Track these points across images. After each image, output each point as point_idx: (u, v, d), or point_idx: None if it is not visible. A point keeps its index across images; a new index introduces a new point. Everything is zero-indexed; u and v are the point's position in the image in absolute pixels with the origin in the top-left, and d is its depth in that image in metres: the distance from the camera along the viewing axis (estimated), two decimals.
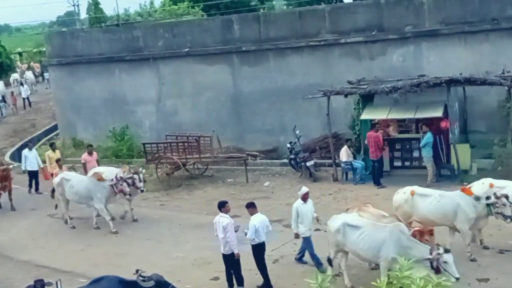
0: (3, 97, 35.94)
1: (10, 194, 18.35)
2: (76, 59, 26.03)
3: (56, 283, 10.16)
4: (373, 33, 20.84)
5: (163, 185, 19.96)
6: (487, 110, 19.34)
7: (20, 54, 56.94)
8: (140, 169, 16.80)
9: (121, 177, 15.67)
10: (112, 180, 15.67)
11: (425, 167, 17.63)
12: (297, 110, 21.66)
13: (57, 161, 18.80)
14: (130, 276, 10.10)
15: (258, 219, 11.55)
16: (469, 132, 19.51)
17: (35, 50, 57.80)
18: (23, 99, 36.04)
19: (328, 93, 18.68)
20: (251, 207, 11.87)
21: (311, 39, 21.76)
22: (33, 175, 20.19)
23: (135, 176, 15.77)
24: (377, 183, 17.76)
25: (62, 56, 26.59)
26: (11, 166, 19.91)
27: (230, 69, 23.20)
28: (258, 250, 11.57)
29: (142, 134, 24.36)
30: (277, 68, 22.39)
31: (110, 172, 16.44)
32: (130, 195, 15.91)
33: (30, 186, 20.27)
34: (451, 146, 17.56)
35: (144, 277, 9.77)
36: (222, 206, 11.76)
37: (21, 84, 37.06)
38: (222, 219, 11.50)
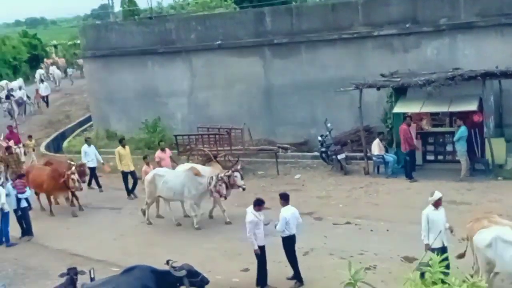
0: (27, 95, 33.67)
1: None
2: (110, 51, 26.32)
3: (90, 271, 10.37)
4: (407, 25, 20.57)
5: None
6: None
7: (55, 46, 57.82)
8: (239, 166, 15.66)
9: (221, 178, 14.78)
10: (211, 178, 14.83)
11: (458, 162, 17.40)
12: (328, 103, 21.55)
13: (144, 158, 18.07)
14: (161, 265, 10.26)
15: (289, 212, 11.55)
16: (505, 126, 19.15)
17: (70, 42, 58.65)
18: (41, 97, 34.58)
19: (360, 86, 18.53)
20: (284, 198, 11.85)
21: (344, 32, 21.60)
22: (92, 172, 19.66)
23: (236, 174, 14.86)
24: (409, 176, 17.58)
25: (96, 49, 26.91)
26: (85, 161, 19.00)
27: (262, 61, 23.19)
28: (289, 242, 11.57)
29: (174, 126, 24.54)
30: (309, 61, 22.30)
31: (203, 170, 15.74)
32: (225, 197, 15.12)
33: (90, 183, 19.69)
34: (486, 140, 17.29)
35: (175, 267, 9.92)
36: (257, 204, 11.63)
37: (41, 80, 35.96)
38: (248, 215, 11.49)
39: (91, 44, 27.31)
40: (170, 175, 15.65)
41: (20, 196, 15.67)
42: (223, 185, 14.73)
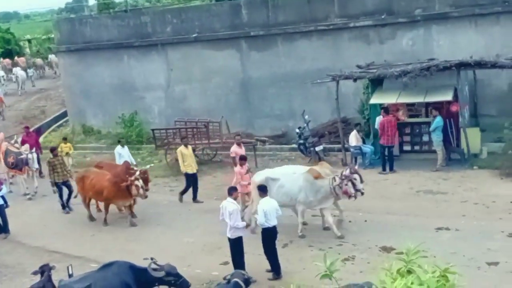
0: None
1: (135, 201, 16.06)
2: (85, 45, 26.04)
3: (68, 268, 10.28)
4: (383, 16, 20.67)
5: (173, 170, 19.99)
6: (497, 93, 19.23)
7: (29, 41, 57.00)
8: (356, 166, 13.96)
9: (346, 176, 13.07)
10: (333, 179, 13.14)
11: (435, 152, 17.59)
12: (306, 95, 21.59)
13: (242, 159, 15.57)
14: (141, 261, 10.22)
15: (267, 203, 11.60)
16: (479, 116, 19.39)
17: (44, 37, 57.85)
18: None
19: (337, 77, 18.61)
20: (262, 190, 11.95)
21: (320, 23, 21.62)
22: None
23: (355, 176, 13.10)
24: (391, 169, 17.67)
25: (71, 43, 26.60)
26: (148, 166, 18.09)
27: (238, 54, 23.13)
28: (268, 234, 11.63)
29: (151, 120, 24.41)
30: (286, 53, 22.30)
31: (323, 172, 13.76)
32: (355, 197, 13.30)
33: None
34: (461, 130, 17.48)
35: (156, 267, 9.85)
36: (231, 192, 11.85)
37: None
38: (229, 204, 11.58)
39: (66, 38, 26.97)
40: (286, 178, 13.63)
41: None
42: (350, 184, 13.02)
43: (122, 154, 18.35)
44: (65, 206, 17.09)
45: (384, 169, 17.73)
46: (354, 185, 12.99)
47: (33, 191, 18.92)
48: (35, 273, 10.33)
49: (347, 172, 13.10)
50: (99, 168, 16.65)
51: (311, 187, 13.27)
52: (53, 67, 42.83)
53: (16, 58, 44.26)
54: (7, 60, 43.83)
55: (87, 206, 16.17)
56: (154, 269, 9.78)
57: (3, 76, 36.75)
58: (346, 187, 13.01)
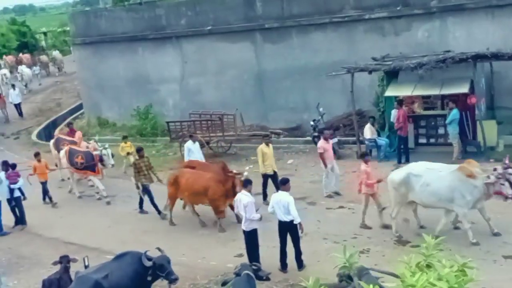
0: None
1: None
2: (99, 38, 26.15)
3: (84, 259, 10.39)
4: (398, 8, 20.52)
5: None
6: None
7: (45, 34, 57.41)
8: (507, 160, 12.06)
9: (501, 174, 11.64)
10: (487, 177, 11.77)
11: (450, 144, 17.46)
12: (320, 87, 21.52)
13: (363, 156, 14.26)
14: (155, 252, 10.27)
15: (276, 197, 11.64)
16: (496, 108, 19.20)
17: (59, 29, 58.24)
18: (14, 105, 29.97)
19: (352, 70, 18.51)
20: (283, 183, 11.90)
21: (335, 15, 21.52)
22: None
23: (510, 171, 11.66)
24: (407, 160, 17.59)
25: (86, 36, 26.72)
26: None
27: (253, 46, 23.10)
28: (280, 228, 11.64)
29: (166, 113, 24.48)
30: (301, 45, 22.22)
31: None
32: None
33: None
34: (478, 122, 17.33)
35: (150, 257, 9.86)
36: (246, 184, 11.86)
37: (12, 86, 30.52)
38: (244, 197, 11.61)
39: (81, 31, 27.11)
40: (431, 176, 12.26)
41: (12, 186, 15.68)
42: (506, 184, 11.63)
43: (192, 150, 17.20)
44: (158, 209, 15.58)
45: (400, 161, 17.64)
46: (511, 184, 11.57)
47: (102, 194, 17.43)
48: (54, 263, 10.46)
49: (502, 169, 11.74)
50: (190, 168, 15.32)
51: (465, 187, 11.85)
52: (58, 64, 41.93)
53: (20, 55, 43.29)
54: (10, 57, 42.72)
55: (171, 208, 14.94)
56: (149, 259, 9.83)
57: (5, 75, 34.70)
58: (501, 187, 11.65)
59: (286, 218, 11.46)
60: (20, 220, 15.89)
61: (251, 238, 11.61)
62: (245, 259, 11.64)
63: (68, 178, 18.61)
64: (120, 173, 19.27)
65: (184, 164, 16.15)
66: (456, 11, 19.80)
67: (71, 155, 17.51)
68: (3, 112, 29.88)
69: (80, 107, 30.15)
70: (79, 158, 17.29)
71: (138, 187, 15.73)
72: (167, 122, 21.38)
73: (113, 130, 25.79)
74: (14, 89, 30.01)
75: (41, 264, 13.17)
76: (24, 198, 16.15)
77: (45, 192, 17.48)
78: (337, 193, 15.77)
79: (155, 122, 24.10)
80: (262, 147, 15.56)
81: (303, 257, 11.74)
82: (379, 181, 13.19)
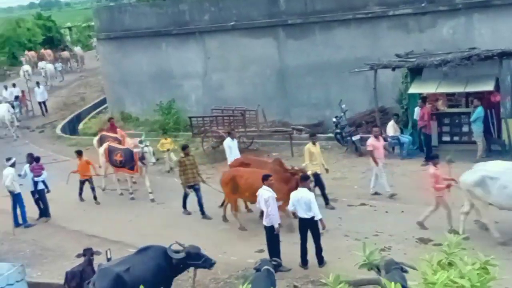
0: (16, 97, 29.20)
1: None
2: (123, 33, 26.34)
3: (106, 252, 10.51)
4: (423, 4, 20.34)
5: (209, 158, 20.15)
6: None
7: (69, 28, 57.98)
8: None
9: None
10: None
11: (474, 142, 17.27)
12: (343, 84, 21.43)
13: (434, 157, 13.45)
14: (174, 246, 10.34)
15: (297, 194, 11.61)
16: None
17: (84, 24, 58.74)
18: (39, 103, 29.65)
19: (375, 66, 18.41)
20: (303, 179, 11.99)
21: (358, 12, 21.39)
22: None
23: None
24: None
25: (110, 31, 26.94)
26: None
27: (276, 42, 23.07)
28: (301, 224, 11.64)
29: (189, 108, 24.58)
30: (323, 41, 22.14)
31: None
32: None
33: None
34: (502, 120, 17.12)
35: (177, 249, 10.01)
36: (266, 179, 11.87)
37: (37, 84, 29.88)
38: (264, 192, 11.62)
39: (105, 26, 27.34)
40: (508, 178, 11.57)
41: (36, 179, 15.90)
42: None
43: (232, 148, 16.58)
44: (203, 210, 14.96)
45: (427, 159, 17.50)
46: None
47: (150, 193, 16.62)
48: (78, 256, 10.60)
49: None
50: (245, 165, 14.62)
51: None
52: (77, 60, 41.78)
53: (42, 50, 42.81)
54: (32, 53, 42.15)
55: (236, 209, 14.19)
56: (175, 251, 9.93)
57: (27, 71, 33.37)
58: None
59: (307, 215, 11.45)
60: (44, 212, 16.12)
61: (272, 234, 11.63)
62: (266, 255, 11.67)
63: (106, 176, 17.97)
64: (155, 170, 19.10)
65: (236, 163, 15.26)
66: (482, 7, 19.57)
67: (110, 152, 17.16)
68: (25, 111, 29.59)
69: (103, 101, 30.43)
70: (118, 156, 16.88)
71: (184, 187, 15.06)
72: (190, 117, 21.47)
73: (136, 125, 25.97)
74: (39, 87, 29.57)
75: (65, 256, 13.36)
76: (48, 191, 16.35)
77: (81, 190, 17.08)
78: (392, 195, 14.90)
79: (178, 117, 24.21)
80: (309, 146, 15.01)
81: (324, 253, 11.72)
82: (448, 187, 12.67)
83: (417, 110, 17.98)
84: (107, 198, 17.40)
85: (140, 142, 16.72)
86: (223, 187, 14.05)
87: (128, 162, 16.68)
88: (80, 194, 17.16)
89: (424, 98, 18.02)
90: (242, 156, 16.24)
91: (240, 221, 14.04)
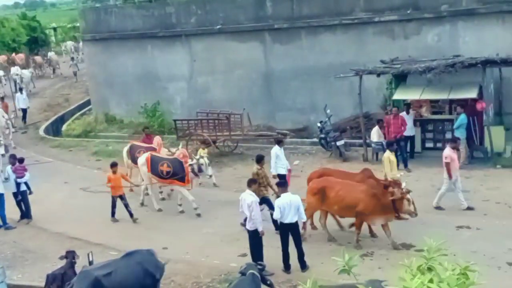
0: None
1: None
2: (109, 34, 26.24)
3: (88, 255, 10.42)
4: (408, 11, 20.48)
5: None
6: None
7: (54, 29, 57.63)
8: None
9: None
10: None
11: (457, 149, 17.38)
12: (328, 89, 21.51)
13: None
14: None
15: (283, 200, 11.59)
16: (504, 114, 19.14)
17: (69, 25, 58.45)
18: (22, 109, 27.63)
19: (360, 72, 18.50)
20: (282, 186, 12.07)
21: (345, 17, 21.50)
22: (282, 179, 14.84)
23: None
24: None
25: (96, 32, 26.82)
26: None
27: (262, 46, 23.11)
28: (283, 229, 11.64)
29: (173, 111, 24.53)
30: (310, 46, 22.22)
31: None
32: None
33: None
34: (485, 128, 17.28)
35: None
36: (250, 184, 11.88)
37: (20, 90, 28.28)
38: (248, 196, 11.61)
39: (91, 27, 27.21)
40: None
41: (19, 180, 15.75)
42: None
43: (280, 157, 15.40)
44: (277, 224, 12.85)
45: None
46: None
47: (194, 207, 15.17)
48: (61, 258, 10.52)
49: None
50: (325, 175, 13.55)
51: None
52: (53, 65, 39.25)
53: (13, 54, 40.37)
54: (3, 57, 39.55)
55: (325, 223, 13.16)
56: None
57: (4, 76, 31.74)
58: None
59: (293, 220, 11.48)
60: (25, 214, 15.95)
61: (255, 238, 11.62)
62: (249, 259, 11.66)
63: (147, 192, 16.35)
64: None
65: (316, 175, 13.90)
66: (467, 15, 19.77)
67: (153, 162, 15.54)
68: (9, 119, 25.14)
69: (88, 103, 30.25)
70: (164, 166, 15.35)
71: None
72: (174, 120, 21.41)
73: (120, 127, 25.87)
74: (21, 93, 27.91)
75: (46, 258, 13.24)
76: (30, 193, 16.21)
77: (115, 208, 15.36)
78: (470, 208, 14.09)
79: (163, 120, 24.17)
80: (389, 155, 14.59)
81: (307, 258, 11.73)
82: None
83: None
84: (89, 200, 17.25)
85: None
86: (309, 196, 12.92)
87: (177, 173, 15.16)
88: (113, 213, 15.37)
89: (408, 105, 18.15)
90: (321, 168, 14.99)
91: (328, 231, 13.02)
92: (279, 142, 15.87)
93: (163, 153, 16.65)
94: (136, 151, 16.97)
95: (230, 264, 12.01)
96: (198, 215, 15.11)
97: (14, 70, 33.22)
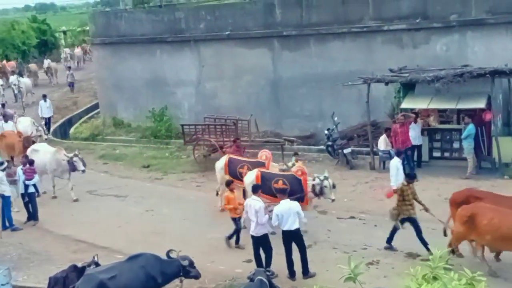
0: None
1: None
2: (119, 39, 26.34)
3: (93, 258, 10.45)
4: (417, 20, 20.48)
5: (200, 166, 20.13)
6: None
7: (64, 33, 57.87)
8: None
9: None
10: None
11: (465, 159, 17.36)
12: (336, 96, 21.50)
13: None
14: (164, 254, 10.34)
15: (282, 206, 11.57)
16: None
17: (79, 29, 58.69)
18: (44, 119, 26.14)
19: (368, 80, 18.49)
20: (281, 192, 12.09)
21: (354, 25, 21.51)
22: None
23: None
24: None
25: (105, 36, 26.94)
26: None
27: (270, 53, 23.14)
28: (285, 237, 11.63)
29: (181, 116, 24.58)
30: (318, 53, 22.24)
31: None
32: None
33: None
34: (493, 138, 17.23)
35: (181, 256, 10.27)
36: (256, 190, 11.90)
37: (43, 97, 26.78)
38: (254, 202, 11.63)
39: (100, 31, 27.33)
40: None
41: (27, 182, 15.84)
42: None
43: (400, 170, 14.47)
44: (427, 245, 12.03)
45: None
46: None
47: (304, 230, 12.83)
48: (89, 265, 10.38)
49: None
50: (475, 199, 11.90)
51: None
52: (51, 73, 36.88)
53: (4, 62, 38.18)
54: None
55: (483, 252, 11.53)
56: (182, 258, 10.15)
57: (2, 85, 30.45)
58: None
59: (293, 227, 11.46)
60: (32, 216, 16.02)
61: (261, 243, 11.62)
62: (253, 265, 11.66)
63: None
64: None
65: (461, 196, 12.26)
66: (476, 26, 19.74)
67: (265, 180, 13.61)
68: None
69: (96, 106, 30.35)
70: (279, 184, 13.46)
71: (396, 219, 12.61)
72: (182, 125, 21.44)
73: (128, 131, 25.93)
74: (45, 100, 26.64)
75: (51, 260, 13.28)
76: (38, 195, 16.27)
77: (238, 232, 13.41)
78: None
79: (170, 125, 24.22)
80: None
81: (311, 265, 11.71)
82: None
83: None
84: (96, 204, 17.31)
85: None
86: (457, 223, 11.56)
87: (294, 192, 13.13)
88: (235, 238, 13.55)
89: (416, 114, 18.14)
90: (467, 189, 13.20)
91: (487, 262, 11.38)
92: (399, 154, 15.10)
93: (274, 168, 14.77)
94: (238, 166, 15.12)
95: (235, 270, 12.01)
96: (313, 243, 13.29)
97: (13, 79, 31.51)
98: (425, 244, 11.98)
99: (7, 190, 15.55)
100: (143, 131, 24.75)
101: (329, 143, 19.71)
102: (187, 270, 10.32)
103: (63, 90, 35.10)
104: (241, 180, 14.34)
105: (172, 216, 15.84)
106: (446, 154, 18.73)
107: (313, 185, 13.53)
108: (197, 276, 10.60)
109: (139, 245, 13.05)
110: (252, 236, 11.73)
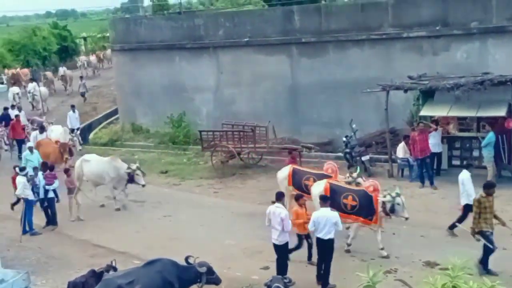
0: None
1: None
2: (138, 45, 26.53)
3: (111, 262, 10.50)
4: (437, 28, 20.36)
5: (218, 173, 20.18)
6: None
7: (85, 39, 58.51)
8: None
9: None
10: None
11: (485, 167, 17.16)
12: (354, 103, 21.42)
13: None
14: (182, 260, 10.35)
15: (320, 213, 11.52)
16: None
17: (99, 35, 59.32)
18: (73, 129, 24.05)
19: (387, 87, 18.39)
20: (323, 200, 11.97)
21: (373, 33, 21.44)
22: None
23: None
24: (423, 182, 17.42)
25: (125, 42, 27.15)
26: None
27: (289, 60, 23.14)
28: (318, 244, 11.60)
29: (199, 122, 24.65)
30: (337, 60, 22.19)
31: None
32: None
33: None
34: None
35: (199, 263, 10.30)
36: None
37: (72, 108, 26.07)
38: (279, 210, 11.56)
39: (120, 37, 27.56)
40: None
41: (47, 187, 16.00)
42: None
43: (465, 183, 13.61)
44: (487, 267, 11.54)
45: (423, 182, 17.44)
46: None
47: (380, 247, 12.84)
48: (106, 270, 10.45)
49: None
50: None
51: None
52: (67, 81, 36.35)
53: (18, 69, 37.37)
54: (12, 71, 37.00)
55: None
56: (200, 265, 10.15)
57: (17, 93, 29.84)
58: None
59: (327, 237, 11.41)
60: (51, 220, 16.16)
61: (284, 252, 11.58)
62: (270, 272, 11.63)
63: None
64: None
65: None
66: (497, 33, 19.56)
67: (334, 193, 12.81)
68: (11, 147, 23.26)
69: (115, 112, 30.57)
70: (349, 199, 12.74)
71: (475, 234, 11.85)
72: (200, 131, 21.52)
73: (147, 137, 26.08)
74: (74, 111, 25.81)
75: (70, 265, 13.36)
76: (58, 201, 16.42)
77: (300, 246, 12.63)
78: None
79: (188, 131, 24.30)
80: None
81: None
82: None
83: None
84: (113, 209, 17.38)
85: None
86: None
87: (364, 208, 12.66)
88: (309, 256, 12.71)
89: (435, 121, 18.00)
90: None
91: None
92: (468, 167, 13.99)
93: (341, 182, 13.95)
94: (303, 177, 14.45)
95: (251, 277, 11.98)
96: (386, 256, 12.81)
97: (30, 87, 31.23)
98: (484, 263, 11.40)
99: (30, 194, 15.74)
100: (161, 136, 24.87)
101: (347, 150, 19.62)
102: (206, 277, 10.30)
103: (78, 98, 35.38)
104: (307, 193, 13.74)
105: (189, 222, 15.87)
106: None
107: (383, 203, 12.59)
108: (217, 282, 10.57)
109: (157, 250, 13.09)
110: (275, 245, 11.67)
